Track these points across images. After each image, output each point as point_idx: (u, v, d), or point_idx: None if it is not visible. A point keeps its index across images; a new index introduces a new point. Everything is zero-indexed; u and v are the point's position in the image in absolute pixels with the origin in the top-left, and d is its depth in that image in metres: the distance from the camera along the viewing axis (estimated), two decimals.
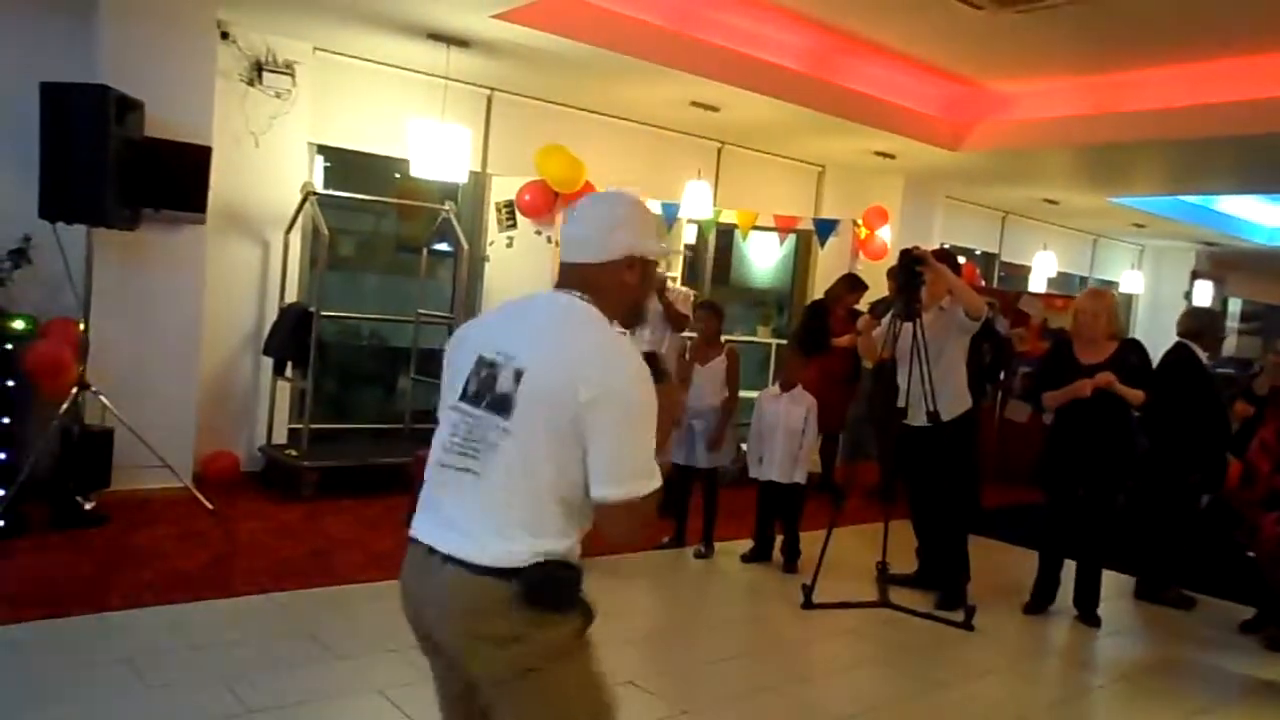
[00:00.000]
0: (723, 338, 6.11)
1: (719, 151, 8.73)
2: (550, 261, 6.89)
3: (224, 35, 6.03)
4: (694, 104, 7.27)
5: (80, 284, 5.28)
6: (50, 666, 3.54)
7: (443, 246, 7.52)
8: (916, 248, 5.04)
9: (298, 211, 6.38)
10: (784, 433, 5.48)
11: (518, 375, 1.84)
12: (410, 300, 7.35)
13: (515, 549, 1.81)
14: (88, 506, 5.14)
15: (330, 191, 6.76)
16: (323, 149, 6.82)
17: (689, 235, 8.21)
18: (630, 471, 1.81)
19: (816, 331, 7.13)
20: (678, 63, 6.30)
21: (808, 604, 4.89)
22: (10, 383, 4.92)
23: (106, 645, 3.76)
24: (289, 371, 6.39)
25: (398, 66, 6.81)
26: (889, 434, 5.23)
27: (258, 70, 6.24)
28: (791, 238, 8.91)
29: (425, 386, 7.35)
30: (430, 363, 7.54)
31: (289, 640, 3.95)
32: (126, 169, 5.12)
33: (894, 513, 5.16)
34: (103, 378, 5.31)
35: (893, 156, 8.64)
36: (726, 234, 8.78)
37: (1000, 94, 7.68)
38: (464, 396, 1.91)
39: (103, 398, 5.25)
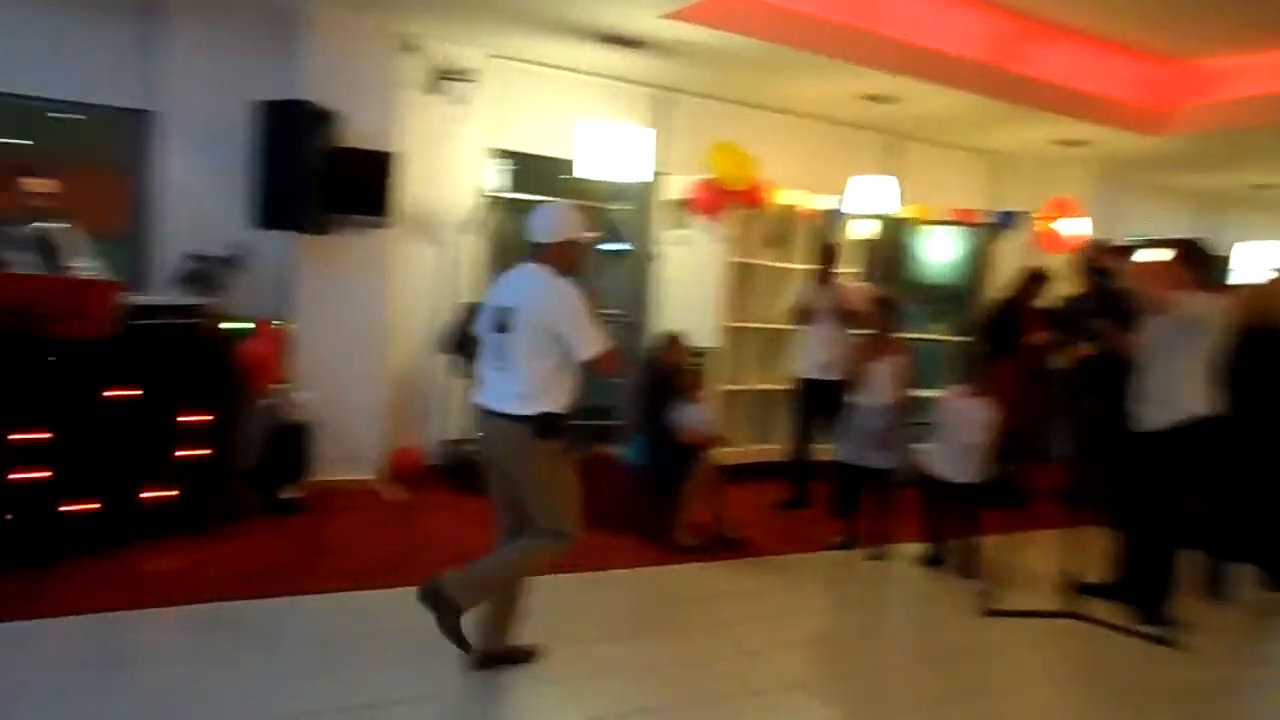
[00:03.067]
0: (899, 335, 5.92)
1: (893, 145, 8.48)
2: (721, 259, 6.88)
3: (409, 48, 6.31)
4: (868, 97, 7.09)
5: (284, 287, 5.66)
6: (257, 641, 3.80)
7: (614, 245, 7.62)
8: (1100, 247, 4.75)
9: (474, 214, 6.61)
10: (965, 435, 5.26)
11: (515, 312, 3.44)
12: None
13: (526, 406, 3.42)
14: (290, 496, 5.50)
15: (505, 194, 6.97)
16: (499, 153, 7.04)
17: (861, 231, 8.00)
18: (589, 341, 3.39)
19: (1007, 330, 6.82)
20: (852, 56, 6.16)
21: (988, 611, 4.69)
22: (228, 380, 5.31)
23: (306, 625, 4.01)
24: (466, 368, 6.62)
25: (570, 69, 6.95)
26: (1105, 436, 4.89)
27: (438, 79, 6.50)
28: (969, 232, 8.56)
29: (598, 384, 7.46)
30: None
31: (468, 629, 4.08)
32: (324, 178, 5.45)
33: (1084, 518, 4.86)
34: (302, 374, 5.67)
35: (1081, 144, 8.15)
36: (899, 230, 8.52)
37: (1207, 71, 7.11)
38: (494, 329, 3.51)
39: (303, 394, 5.61)
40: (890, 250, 8.60)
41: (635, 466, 5.65)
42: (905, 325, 5.81)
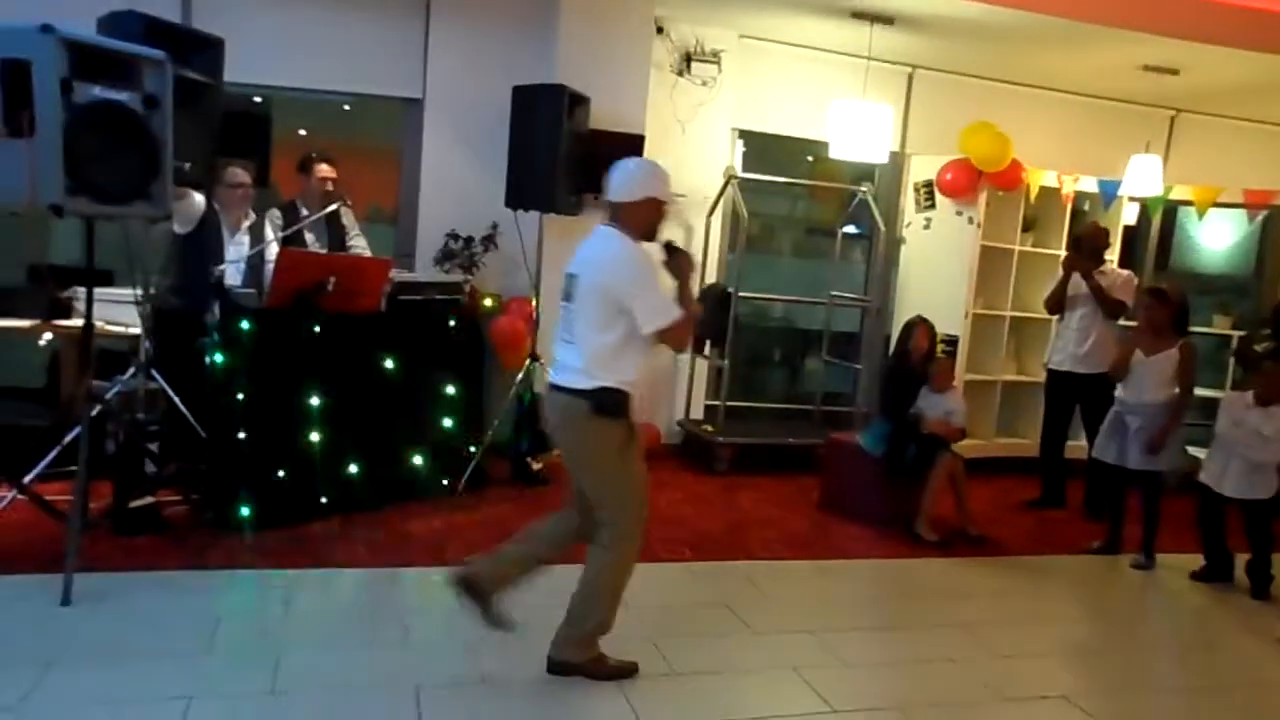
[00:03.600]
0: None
1: (1172, 120, 7.74)
2: (972, 243, 6.54)
3: (659, 30, 6.39)
4: (1146, 68, 6.49)
5: (532, 265, 5.89)
6: (508, 603, 3.95)
7: (855, 229, 7.41)
8: None
9: (719, 195, 6.62)
10: (1252, 448, 4.72)
11: (578, 279, 3.16)
12: (822, 282, 7.34)
13: (584, 380, 3.11)
14: (536, 468, 5.73)
15: (751, 175, 6.90)
16: (744, 134, 7.00)
17: (1129, 215, 7.36)
18: (654, 311, 3.06)
19: None
20: (1130, 21, 5.64)
21: None
22: (480, 353, 5.59)
23: (554, 592, 4.13)
24: (708, 350, 6.66)
25: (818, 49, 6.80)
26: None
27: (687, 61, 6.54)
28: (1259, 216, 7.67)
29: (838, 370, 7.32)
30: (843, 345, 7.51)
31: (707, 609, 4.11)
32: (573, 159, 5.61)
33: None
34: (549, 350, 5.85)
35: None
36: (1170, 214, 7.77)
37: None
38: (562, 298, 3.24)
39: (549, 369, 5.80)
40: (1161, 236, 7.88)
41: (874, 455, 5.48)
42: (1190, 319, 5.21)
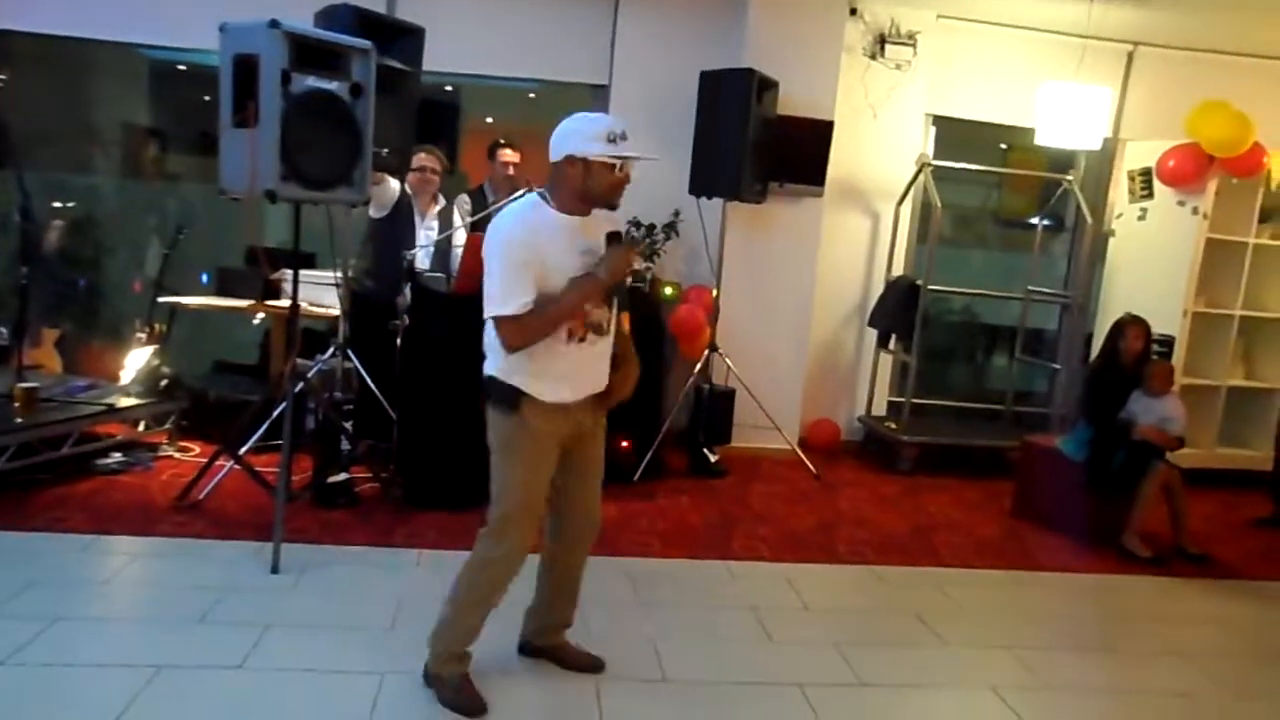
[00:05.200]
0: None
1: None
2: (1195, 236, 5.98)
3: (852, 11, 6.14)
4: None
5: (714, 254, 5.78)
6: (687, 598, 3.90)
7: (1048, 220, 6.91)
8: None
9: (911, 183, 6.32)
10: None
11: None
12: (1019, 277, 6.90)
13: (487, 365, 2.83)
14: (713, 459, 5.64)
15: (945, 163, 6.56)
16: (939, 119, 6.66)
17: None
18: (489, 296, 2.67)
19: None
20: None
21: None
22: (661, 342, 5.53)
23: (732, 591, 4.05)
24: (892, 344, 6.39)
25: (1027, 28, 6.36)
26: None
27: (880, 43, 6.26)
28: None
29: (1032, 369, 6.89)
30: (1039, 343, 7.07)
31: (895, 617, 3.91)
32: (760, 146, 5.47)
33: None
34: (728, 341, 5.77)
35: None
36: None
37: None
38: None
39: (728, 360, 5.71)
40: None
41: (1076, 461, 5.09)
42: None
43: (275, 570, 3.72)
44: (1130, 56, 6.55)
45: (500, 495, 2.84)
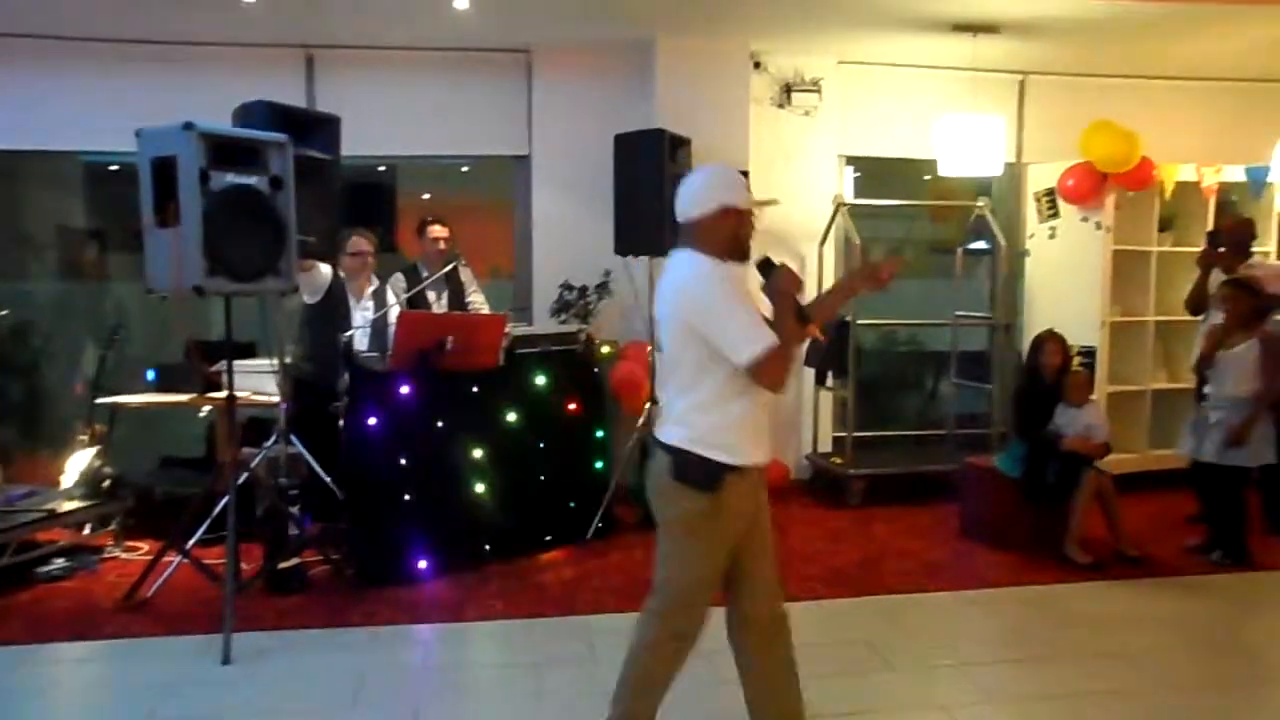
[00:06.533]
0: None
1: None
2: (1102, 249, 6.24)
3: (756, 65, 6.39)
4: None
5: (646, 310, 5.91)
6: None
7: (979, 245, 7.19)
8: None
9: (830, 224, 6.53)
10: None
11: (660, 322, 2.75)
12: (947, 303, 7.13)
13: (672, 435, 2.67)
14: None
15: (860, 200, 6.79)
16: (851, 159, 6.91)
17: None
18: (740, 340, 2.53)
19: None
20: None
21: None
22: (602, 400, 5.62)
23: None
24: (830, 381, 6.54)
25: (921, 66, 6.67)
26: None
27: (786, 92, 6.51)
28: None
29: (969, 391, 7.08)
30: (976, 365, 7.26)
31: (846, 648, 3.98)
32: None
33: None
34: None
35: None
36: None
37: None
38: (658, 348, 2.89)
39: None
40: None
41: (1013, 477, 5.24)
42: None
43: (226, 661, 3.72)
44: (1022, 85, 6.89)
45: (677, 576, 2.74)
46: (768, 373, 2.55)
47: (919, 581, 4.77)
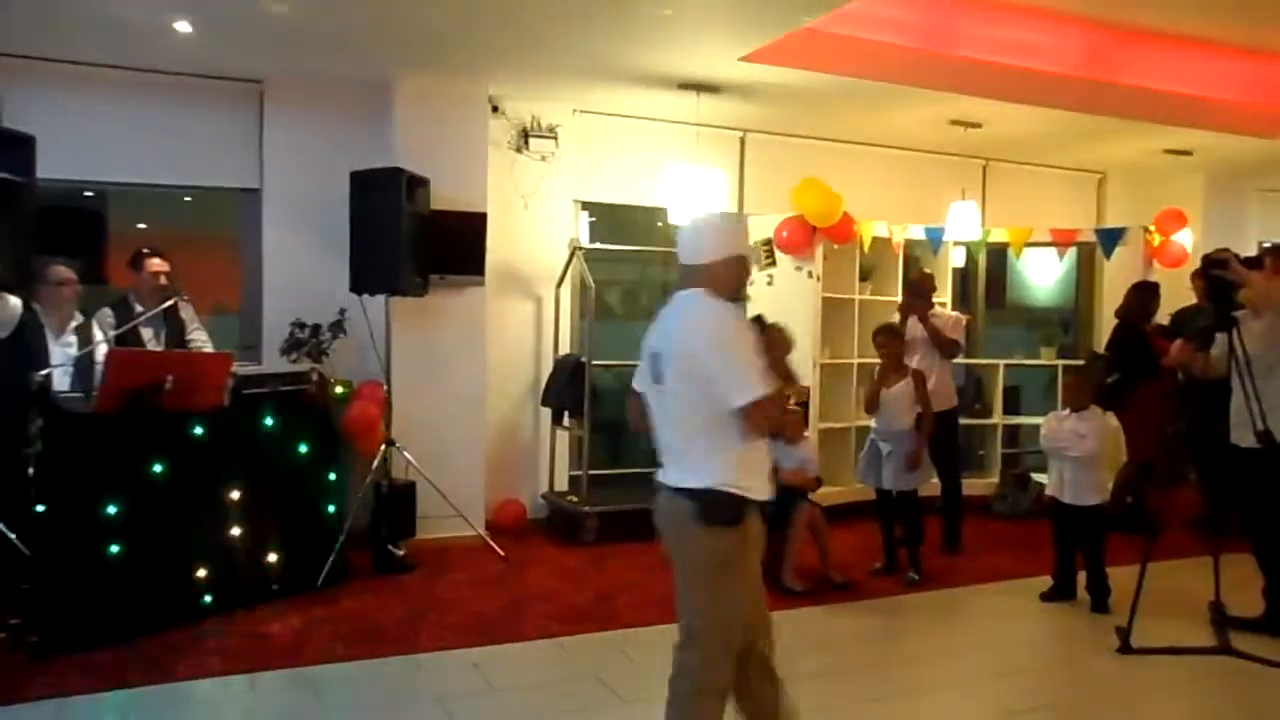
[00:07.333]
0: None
1: (984, 169, 8.31)
2: (813, 296, 6.80)
3: (494, 109, 6.48)
4: (954, 123, 6.97)
5: (382, 349, 5.81)
6: (374, 701, 3.84)
7: None
8: (1222, 250, 4.56)
9: (566, 267, 6.70)
10: (1076, 455, 5.07)
11: (662, 357, 2.79)
12: None
13: (691, 478, 2.74)
14: (399, 554, 5.58)
15: (594, 245, 7.01)
16: (587, 205, 7.14)
17: (957, 258, 7.83)
18: (742, 384, 2.63)
19: (1140, 355, 6.54)
20: (934, 83, 6.07)
21: (1125, 648, 4.42)
22: (335, 442, 5.43)
23: (419, 684, 4.04)
24: (566, 420, 6.66)
25: (652, 119, 7.02)
26: (1207, 457, 4.69)
27: (524, 137, 6.65)
28: (1072, 252, 8.28)
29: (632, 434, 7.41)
30: None
31: (578, 684, 4.06)
32: (417, 240, 5.60)
33: (1225, 546, 4.57)
34: (405, 434, 5.78)
35: (1188, 153, 7.86)
36: (999, 254, 8.30)
37: None
38: (652, 379, 2.85)
39: (405, 453, 5.71)
40: (991, 275, 8.38)
41: None
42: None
43: None
44: (743, 141, 7.42)
45: (719, 618, 2.80)
46: (765, 417, 2.67)
47: (650, 615, 4.92)
